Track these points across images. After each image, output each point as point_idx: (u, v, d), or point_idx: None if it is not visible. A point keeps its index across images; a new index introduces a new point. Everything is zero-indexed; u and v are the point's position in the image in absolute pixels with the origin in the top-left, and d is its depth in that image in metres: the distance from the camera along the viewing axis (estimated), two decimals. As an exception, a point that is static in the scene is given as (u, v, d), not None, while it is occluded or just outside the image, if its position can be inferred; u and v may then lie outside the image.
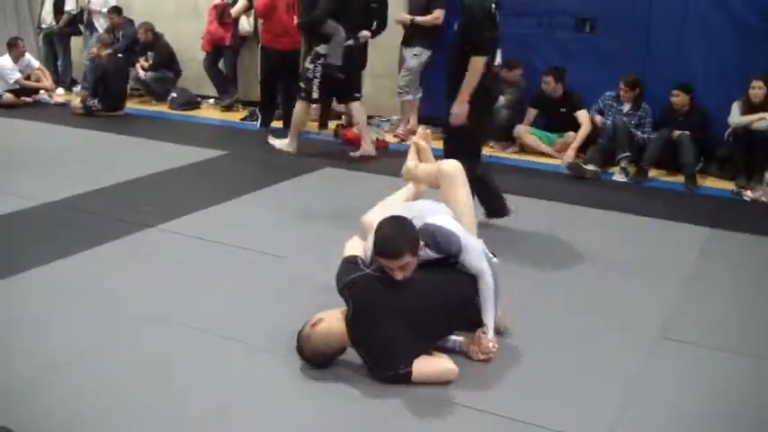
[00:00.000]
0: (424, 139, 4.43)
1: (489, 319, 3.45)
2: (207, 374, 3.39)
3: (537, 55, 8.11)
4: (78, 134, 8.38)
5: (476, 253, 3.49)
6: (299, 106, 7.52)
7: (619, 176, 7.03)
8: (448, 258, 3.48)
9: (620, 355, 3.65)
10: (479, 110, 4.99)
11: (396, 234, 3.33)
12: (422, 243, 3.38)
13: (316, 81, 7.30)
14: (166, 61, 10.28)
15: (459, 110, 4.95)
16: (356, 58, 7.67)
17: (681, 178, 6.93)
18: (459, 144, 5.00)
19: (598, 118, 7.54)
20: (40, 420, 3.02)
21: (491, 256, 3.62)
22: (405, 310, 3.30)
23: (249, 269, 4.59)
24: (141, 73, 10.20)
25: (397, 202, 3.98)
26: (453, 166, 3.88)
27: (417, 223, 3.45)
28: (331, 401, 3.22)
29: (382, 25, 8.03)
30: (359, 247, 3.68)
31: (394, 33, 8.29)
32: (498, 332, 3.65)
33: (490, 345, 3.41)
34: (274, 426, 3.05)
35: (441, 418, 3.11)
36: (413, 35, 8.23)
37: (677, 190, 6.78)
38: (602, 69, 7.68)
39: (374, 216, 3.73)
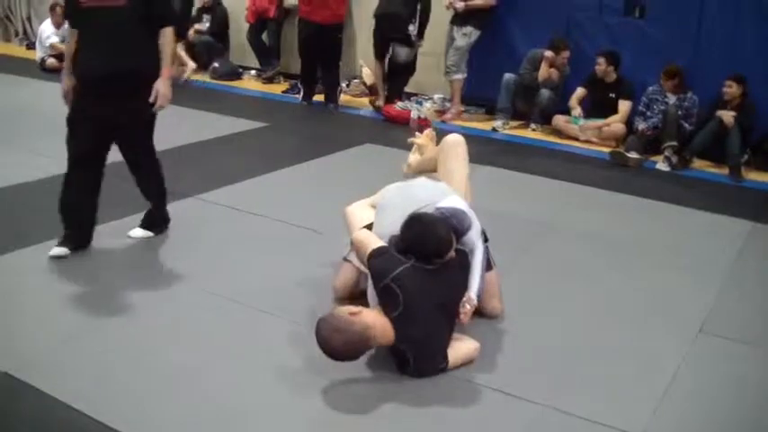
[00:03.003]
0: (429, 138, 4.44)
1: (473, 283, 3.40)
2: (235, 344, 3.40)
3: (585, 38, 7.96)
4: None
5: (477, 231, 3.52)
6: None
7: (662, 165, 6.92)
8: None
9: (657, 349, 3.59)
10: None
11: (433, 234, 3.26)
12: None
13: None
14: (223, 29, 10.28)
15: (169, 90, 4.47)
16: None
17: (725, 170, 6.81)
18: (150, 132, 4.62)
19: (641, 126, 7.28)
20: (73, 379, 3.06)
21: (484, 237, 3.61)
22: (444, 303, 3.26)
23: (285, 243, 4.59)
24: (191, 33, 10.13)
25: (393, 189, 3.83)
26: (456, 138, 3.92)
27: (430, 209, 3.44)
28: (357, 383, 3.20)
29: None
30: (364, 230, 3.56)
31: (442, 11, 8.21)
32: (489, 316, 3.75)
33: (467, 306, 3.34)
34: (291, 401, 3.04)
35: (476, 404, 3.10)
36: (464, 15, 8.13)
37: (721, 182, 6.66)
38: (650, 56, 7.50)
39: (358, 207, 3.83)
